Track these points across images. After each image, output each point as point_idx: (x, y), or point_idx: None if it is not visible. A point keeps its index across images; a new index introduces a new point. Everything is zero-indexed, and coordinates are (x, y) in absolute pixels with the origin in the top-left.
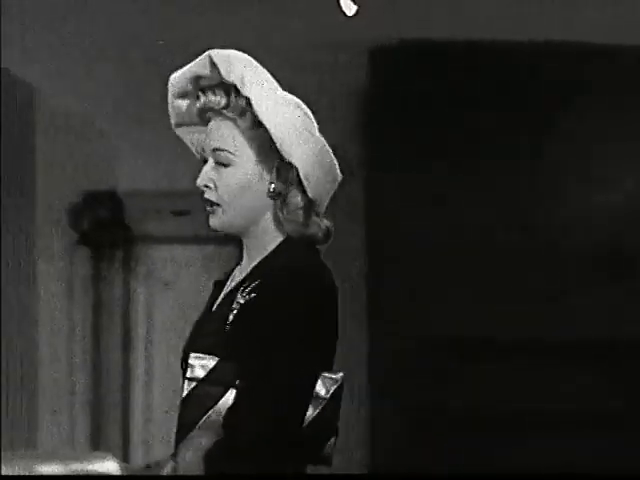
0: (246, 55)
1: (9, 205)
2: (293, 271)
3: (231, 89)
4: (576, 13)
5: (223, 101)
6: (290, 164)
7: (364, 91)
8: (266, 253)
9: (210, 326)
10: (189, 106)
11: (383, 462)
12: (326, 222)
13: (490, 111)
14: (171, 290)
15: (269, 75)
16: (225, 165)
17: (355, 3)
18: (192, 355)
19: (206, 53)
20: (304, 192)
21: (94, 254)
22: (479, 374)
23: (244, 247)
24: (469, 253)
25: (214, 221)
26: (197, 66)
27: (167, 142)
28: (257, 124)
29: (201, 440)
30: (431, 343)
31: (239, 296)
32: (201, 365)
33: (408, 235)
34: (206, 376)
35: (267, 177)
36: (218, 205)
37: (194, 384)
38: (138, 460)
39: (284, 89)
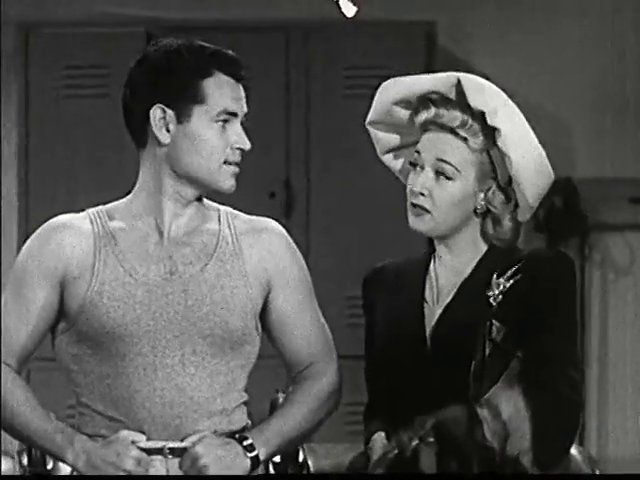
0: (496, 87)
1: None
2: (550, 253)
3: (466, 110)
4: None
5: (458, 119)
6: (508, 189)
7: None
8: (481, 250)
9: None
10: (410, 115)
11: None
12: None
13: None
14: (627, 278)
15: (518, 110)
16: (447, 178)
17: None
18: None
19: (454, 74)
20: (515, 217)
21: (550, 241)
22: None
23: (443, 246)
24: None
25: (421, 224)
26: (439, 83)
27: (621, 129)
28: (486, 148)
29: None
30: None
31: (497, 282)
32: (496, 328)
33: None
34: (499, 341)
35: (480, 196)
36: (428, 212)
37: (492, 345)
38: None
39: None
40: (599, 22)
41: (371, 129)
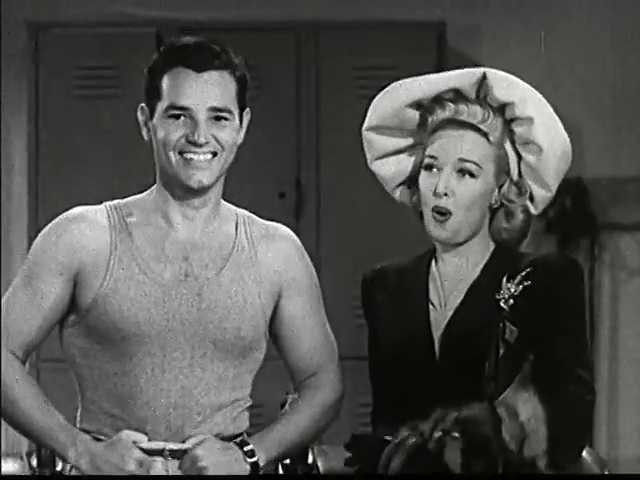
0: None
1: None
2: (559, 259)
3: (485, 104)
4: None
5: (479, 115)
6: (520, 181)
7: None
8: (488, 254)
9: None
10: (421, 116)
11: None
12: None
13: None
14: (637, 278)
15: (543, 99)
16: (469, 175)
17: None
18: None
19: (478, 69)
20: (527, 210)
21: (560, 242)
22: None
23: (448, 250)
24: None
25: (442, 232)
26: (460, 80)
27: (632, 129)
28: (502, 142)
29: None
30: None
31: (507, 286)
32: (509, 330)
33: None
34: (513, 342)
35: (495, 192)
36: (451, 214)
37: (505, 346)
38: None
39: None
40: (611, 20)
41: (370, 134)
